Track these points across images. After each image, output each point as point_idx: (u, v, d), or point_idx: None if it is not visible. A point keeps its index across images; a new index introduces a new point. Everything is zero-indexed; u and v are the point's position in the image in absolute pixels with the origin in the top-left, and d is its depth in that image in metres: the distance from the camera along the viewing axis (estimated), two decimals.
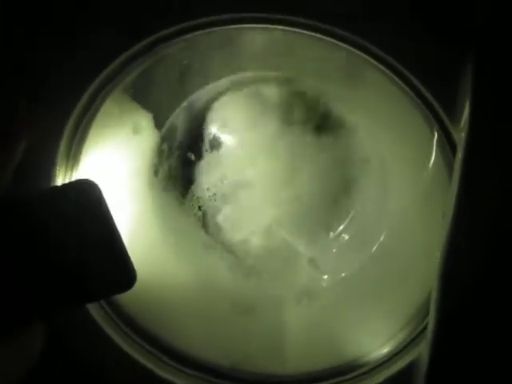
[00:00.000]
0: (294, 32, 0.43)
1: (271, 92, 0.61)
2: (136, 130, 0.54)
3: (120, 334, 0.48)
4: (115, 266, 0.36)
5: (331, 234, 0.63)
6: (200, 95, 0.60)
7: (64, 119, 0.44)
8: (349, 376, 0.49)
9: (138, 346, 0.49)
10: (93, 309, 0.46)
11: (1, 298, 0.35)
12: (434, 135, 0.45)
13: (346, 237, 0.62)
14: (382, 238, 0.58)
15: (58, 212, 0.36)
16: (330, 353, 0.51)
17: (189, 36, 0.45)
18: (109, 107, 0.47)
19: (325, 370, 0.50)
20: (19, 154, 0.38)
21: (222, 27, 0.45)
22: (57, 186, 0.43)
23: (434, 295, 0.43)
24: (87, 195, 0.36)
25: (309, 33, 0.43)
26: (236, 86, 0.61)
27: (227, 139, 0.63)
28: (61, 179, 0.45)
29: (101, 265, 0.36)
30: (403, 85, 0.43)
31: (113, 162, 0.52)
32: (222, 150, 0.63)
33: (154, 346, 0.49)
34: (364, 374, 0.49)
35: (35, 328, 0.36)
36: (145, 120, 0.55)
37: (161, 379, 0.48)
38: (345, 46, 0.43)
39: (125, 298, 0.48)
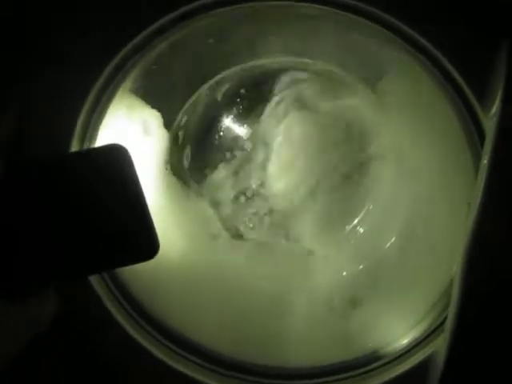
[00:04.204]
0: (326, 10, 0.42)
1: (287, 82, 0.60)
2: (147, 131, 0.53)
3: (128, 318, 0.47)
4: (140, 231, 0.36)
5: (347, 227, 0.62)
6: (211, 86, 0.58)
7: (73, 118, 0.43)
8: (365, 369, 0.48)
9: (146, 332, 0.48)
10: (103, 295, 0.46)
11: (22, 258, 0.34)
12: (461, 122, 0.44)
13: (362, 230, 0.61)
14: (399, 230, 0.56)
15: (87, 174, 0.35)
16: (346, 346, 0.50)
17: (216, 11, 0.44)
18: (117, 106, 0.46)
19: (339, 363, 0.49)
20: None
21: (250, 3, 0.44)
22: (87, 149, 0.42)
23: (456, 287, 0.42)
24: (117, 159, 0.35)
25: (342, 12, 0.42)
26: (253, 74, 0.59)
27: (242, 131, 0.62)
28: None
29: (126, 229, 0.35)
30: (434, 69, 0.42)
31: None
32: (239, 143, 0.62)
33: (163, 333, 0.49)
34: (380, 367, 0.48)
35: (50, 293, 0.35)
36: (154, 119, 0.54)
37: (160, 361, 0.47)
38: (378, 27, 0.42)
39: (136, 283, 0.48)
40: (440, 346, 0.44)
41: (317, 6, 0.43)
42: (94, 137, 0.44)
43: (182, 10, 0.44)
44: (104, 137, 0.45)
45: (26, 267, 0.34)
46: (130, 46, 0.44)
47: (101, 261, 0.36)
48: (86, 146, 0.44)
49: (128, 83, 0.47)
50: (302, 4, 0.44)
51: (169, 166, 0.58)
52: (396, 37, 0.42)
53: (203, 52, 0.53)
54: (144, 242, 0.36)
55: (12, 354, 0.34)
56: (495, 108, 0.41)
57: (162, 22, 0.44)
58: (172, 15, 0.44)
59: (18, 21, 0.42)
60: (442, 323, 0.46)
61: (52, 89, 0.42)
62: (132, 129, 0.51)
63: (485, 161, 0.41)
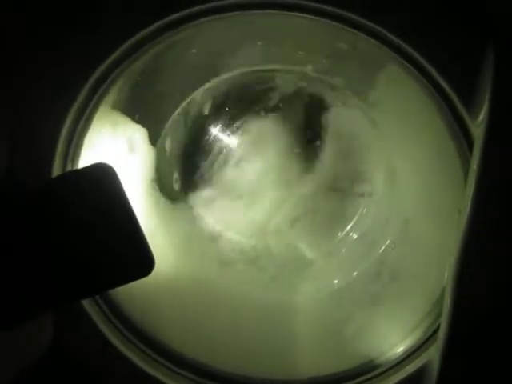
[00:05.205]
0: (314, 20, 0.41)
1: (276, 92, 0.59)
2: (132, 148, 0.52)
3: (120, 337, 0.47)
4: (134, 249, 0.35)
5: (339, 233, 0.61)
6: (197, 97, 0.58)
7: (55, 136, 0.42)
8: (361, 379, 0.48)
9: (139, 350, 0.48)
10: (89, 307, 0.45)
11: (17, 285, 0.34)
12: (449, 129, 0.43)
13: (355, 236, 0.61)
14: (391, 237, 0.56)
15: (75, 196, 0.35)
16: (341, 356, 0.50)
17: (196, 22, 0.44)
18: (100, 123, 0.45)
19: (334, 374, 0.49)
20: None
21: (231, 13, 0.43)
22: (73, 170, 0.42)
23: (448, 293, 0.42)
24: (103, 178, 0.35)
25: (330, 22, 0.41)
26: (240, 84, 0.59)
27: (230, 142, 0.61)
28: None
29: (119, 248, 0.35)
30: (421, 77, 0.41)
31: None
32: (225, 156, 0.61)
33: (156, 350, 0.48)
34: (376, 376, 0.48)
35: (47, 319, 0.36)
36: (140, 135, 0.53)
37: (155, 379, 0.47)
38: (365, 36, 0.41)
39: (128, 301, 0.48)
40: (434, 355, 0.44)
41: (306, 15, 0.43)
42: (76, 156, 0.44)
43: (166, 20, 0.43)
44: (87, 155, 0.45)
45: (20, 295, 0.34)
46: (112, 57, 0.43)
47: (97, 283, 0.35)
48: (69, 166, 0.44)
49: (111, 96, 0.46)
50: (292, 13, 0.43)
51: (156, 185, 0.57)
52: (383, 45, 0.42)
53: (188, 63, 0.52)
54: (139, 260, 0.35)
55: (9, 381, 0.33)
56: (483, 114, 0.40)
57: (144, 33, 0.43)
58: (155, 26, 0.43)
59: None
60: (436, 331, 0.45)
61: (31, 106, 0.42)
62: (116, 146, 0.51)
63: (474, 166, 0.41)
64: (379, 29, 0.41)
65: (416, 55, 0.41)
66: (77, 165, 0.44)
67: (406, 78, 0.43)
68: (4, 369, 0.33)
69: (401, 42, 0.41)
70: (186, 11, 0.43)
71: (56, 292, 0.35)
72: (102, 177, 0.35)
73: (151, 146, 0.54)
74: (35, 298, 0.34)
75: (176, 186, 0.60)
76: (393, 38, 0.41)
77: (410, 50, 0.41)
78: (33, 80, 0.42)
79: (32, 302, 0.34)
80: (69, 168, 0.44)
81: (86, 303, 0.45)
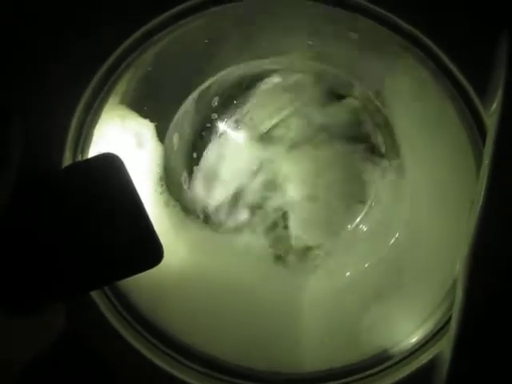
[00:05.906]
0: (326, 8, 0.41)
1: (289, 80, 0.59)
2: (140, 143, 0.52)
3: (129, 329, 0.47)
4: (142, 239, 0.35)
5: (349, 226, 0.61)
6: (205, 90, 0.57)
7: (64, 129, 0.42)
8: (375, 370, 0.48)
9: (148, 342, 0.48)
10: (98, 298, 0.45)
11: (28, 274, 0.34)
12: (462, 118, 0.43)
13: (365, 228, 0.61)
14: (402, 228, 0.56)
15: (84, 186, 0.35)
16: (352, 348, 0.50)
17: (206, 12, 0.43)
18: (108, 116, 0.45)
19: (347, 366, 0.48)
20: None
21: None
22: (79, 161, 0.42)
23: (460, 284, 0.42)
24: (111, 168, 0.35)
25: (342, 10, 0.41)
26: (253, 76, 0.59)
27: (239, 137, 0.61)
28: None
29: (128, 239, 0.35)
30: (434, 65, 0.41)
31: None
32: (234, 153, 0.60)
33: (159, 338, 0.48)
34: (389, 367, 0.47)
35: (60, 307, 0.35)
36: (148, 129, 0.53)
37: (158, 368, 0.47)
38: (379, 25, 0.41)
39: (137, 293, 0.48)
40: (445, 346, 0.44)
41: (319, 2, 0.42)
42: (86, 148, 0.44)
43: (175, 10, 0.43)
44: (97, 148, 0.45)
45: (29, 283, 0.34)
46: (121, 48, 0.43)
47: (106, 273, 0.35)
48: (78, 158, 0.44)
49: (120, 89, 0.46)
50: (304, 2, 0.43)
51: (164, 183, 0.57)
52: (395, 34, 0.41)
53: (197, 54, 0.52)
54: (148, 249, 0.35)
55: (20, 367, 0.33)
56: (496, 104, 0.40)
57: (152, 24, 0.43)
58: (164, 16, 0.43)
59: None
60: (448, 322, 0.45)
61: (41, 99, 0.42)
62: (125, 140, 0.51)
63: (486, 160, 0.41)
64: (393, 17, 0.41)
65: (429, 43, 0.41)
66: (86, 157, 0.44)
67: (419, 67, 0.42)
68: (20, 352, 0.33)
69: (414, 30, 0.41)
70: (195, 0, 0.43)
71: (64, 282, 0.35)
72: (110, 166, 0.35)
73: (159, 142, 0.54)
74: (43, 288, 0.34)
75: (185, 184, 0.60)
76: (406, 26, 0.41)
77: (423, 38, 0.41)
78: (42, 74, 0.41)
79: (40, 291, 0.34)
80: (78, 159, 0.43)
81: (95, 294, 0.45)
